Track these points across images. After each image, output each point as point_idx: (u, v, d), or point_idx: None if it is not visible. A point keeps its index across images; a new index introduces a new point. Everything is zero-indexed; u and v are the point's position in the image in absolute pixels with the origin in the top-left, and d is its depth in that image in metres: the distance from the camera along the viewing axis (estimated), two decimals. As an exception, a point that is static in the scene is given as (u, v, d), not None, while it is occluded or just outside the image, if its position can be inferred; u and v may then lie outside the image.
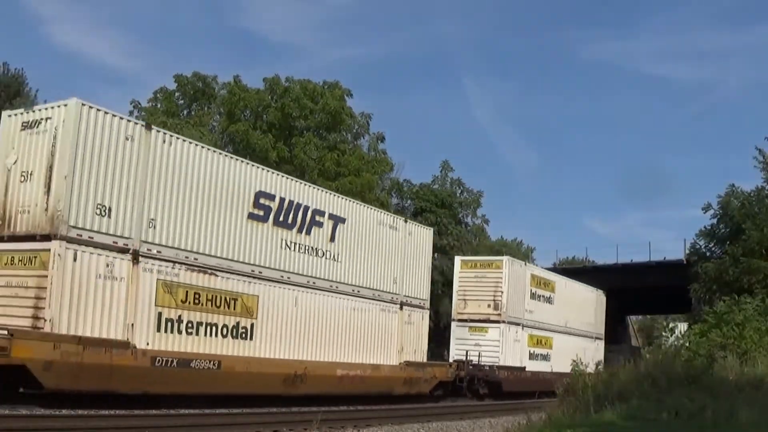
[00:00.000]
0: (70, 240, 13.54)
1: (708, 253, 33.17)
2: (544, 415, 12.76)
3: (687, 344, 20.00)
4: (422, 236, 24.01)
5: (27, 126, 14.45)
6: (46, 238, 13.53)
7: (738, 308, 21.20)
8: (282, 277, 18.16)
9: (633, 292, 47.87)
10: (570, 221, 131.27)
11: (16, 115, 14.94)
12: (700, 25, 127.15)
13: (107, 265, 14.14)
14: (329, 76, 53.61)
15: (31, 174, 14.08)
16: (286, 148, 35.82)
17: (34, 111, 14.74)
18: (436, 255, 41.47)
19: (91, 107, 14.16)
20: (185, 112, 40.37)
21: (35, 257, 13.60)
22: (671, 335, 21.18)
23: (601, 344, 37.20)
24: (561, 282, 33.00)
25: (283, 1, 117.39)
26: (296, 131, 37.22)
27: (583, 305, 35.07)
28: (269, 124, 36.37)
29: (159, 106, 39.09)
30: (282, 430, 14.23)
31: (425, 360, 23.84)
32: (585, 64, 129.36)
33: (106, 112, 14.43)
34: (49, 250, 13.42)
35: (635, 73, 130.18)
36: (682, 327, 25.29)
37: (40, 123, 14.24)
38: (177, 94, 39.89)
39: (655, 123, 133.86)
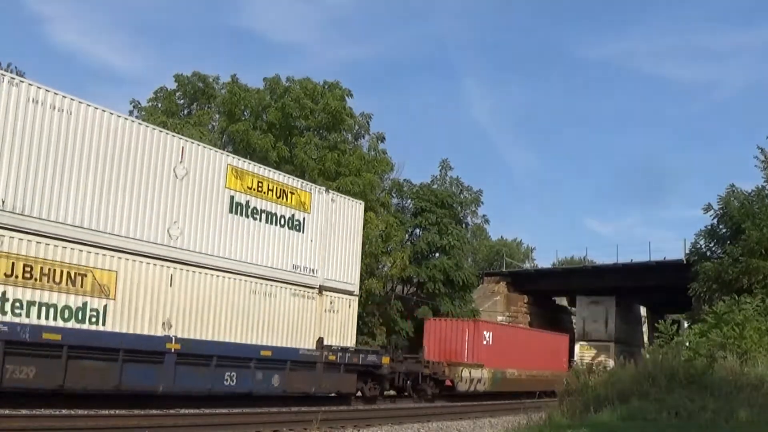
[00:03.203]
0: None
1: (708, 253, 33.08)
2: (544, 415, 12.77)
3: (687, 344, 19.97)
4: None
5: None
6: None
7: (738, 308, 21.15)
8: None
9: (633, 292, 47.86)
10: (570, 221, 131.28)
11: None
12: (700, 25, 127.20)
13: None
14: (329, 76, 53.58)
15: None
16: (287, 148, 35.79)
17: None
18: (437, 254, 41.53)
19: None
20: (185, 111, 40.34)
21: None
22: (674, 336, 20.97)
23: None
24: None
25: (283, 1, 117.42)
26: (296, 131, 37.18)
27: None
28: (269, 124, 36.33)
29: (159, 105, 39.07)
30: (282, 430, 14.24)
31: None
32: (585, 63, 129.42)
33: None
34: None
35: (635, 72, 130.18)
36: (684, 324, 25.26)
37: None
38: (177, 93, 39.86)
39: (655, 123, 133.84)
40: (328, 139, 37.08)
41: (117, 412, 13.95)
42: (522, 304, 49.20)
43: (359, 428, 15.36)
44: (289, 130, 36.89)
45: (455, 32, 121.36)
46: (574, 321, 51.84)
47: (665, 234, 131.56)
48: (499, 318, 45.83)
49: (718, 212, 32.18)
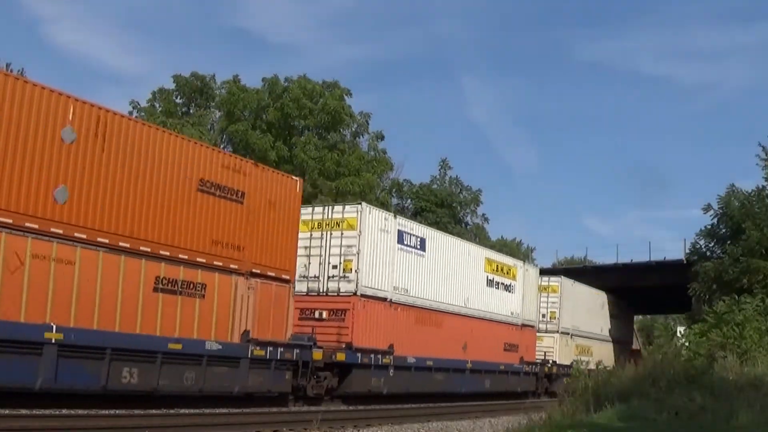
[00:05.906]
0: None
1: (708, 253, 33.08)
2: (544, 415, 12.77)
3: (687, 344, 19.99)
4: None
5: None
6: None
7: (738, 308, 21.15)
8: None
9: (633, 292, 47.84)
10: (570, 221, 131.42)
11: None
12: (700, 25, 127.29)
13: None
14: (329, 76, 53.54)
15: None
16: (286, 147, 35.80)
17: None
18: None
19: None
20: (184, 110, 40.34)
21: None
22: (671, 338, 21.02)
23: None
24: None
25: (283, 0, 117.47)
26: (296, 131, 37.22)
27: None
28: (268, 124, 36.35)
29: (158, 106, 39.08)
30: (282, 430, 14.23)
31: None
32: (585, 63, 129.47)
33: None
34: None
35: (635, 72, 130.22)
36: (681, 329, 25.26)
37: None
38: (175, 93, 39.86)
39: (655, 123, 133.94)
40: (327, 139, 37.11)
41: (117, 412, 13.93)
42: (522, 304, 49.19)
43: (359, 428, 15.36)
44: (288, 130, 36.93)
45: (454, 31, 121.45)
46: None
47: (665, 234, 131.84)
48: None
49: (718, 212, 32.16)
